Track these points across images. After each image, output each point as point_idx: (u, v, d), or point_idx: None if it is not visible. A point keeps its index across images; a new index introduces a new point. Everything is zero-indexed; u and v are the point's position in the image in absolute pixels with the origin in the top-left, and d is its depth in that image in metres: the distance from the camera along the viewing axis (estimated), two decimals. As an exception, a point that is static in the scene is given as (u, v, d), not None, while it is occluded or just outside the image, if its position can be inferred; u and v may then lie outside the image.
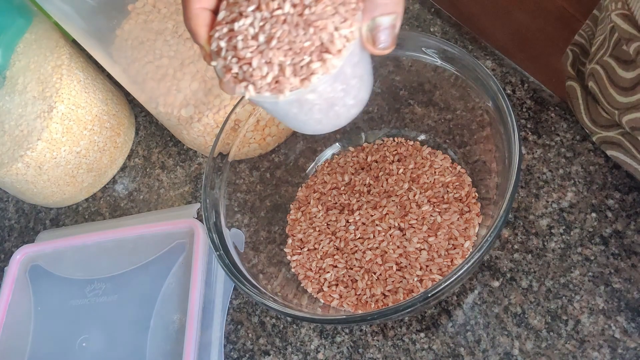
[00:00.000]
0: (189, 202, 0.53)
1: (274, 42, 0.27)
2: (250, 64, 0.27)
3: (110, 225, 0.53)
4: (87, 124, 0.53)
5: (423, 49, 0.40)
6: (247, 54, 0.27)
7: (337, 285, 0.42)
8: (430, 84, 0.43)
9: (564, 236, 0.41)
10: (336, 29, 0.27)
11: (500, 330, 0.39)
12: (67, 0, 0.41)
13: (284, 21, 0.27)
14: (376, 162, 0.47)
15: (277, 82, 0.27)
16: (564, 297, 0.39)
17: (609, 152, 0.41)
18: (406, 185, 0.44)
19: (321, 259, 0.44)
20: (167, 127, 0.53)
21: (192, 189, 0.54)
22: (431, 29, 0.53)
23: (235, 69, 0.28)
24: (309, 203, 0.47)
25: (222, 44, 0.28)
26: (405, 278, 0.41)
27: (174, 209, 0.53)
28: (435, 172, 0.44)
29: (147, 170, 0.57)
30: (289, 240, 0.46)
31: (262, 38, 0.27)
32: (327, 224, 0.45)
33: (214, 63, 0.29)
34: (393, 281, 0.41)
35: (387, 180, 0.45)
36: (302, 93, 0.27)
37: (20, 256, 0.52)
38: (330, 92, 0.28)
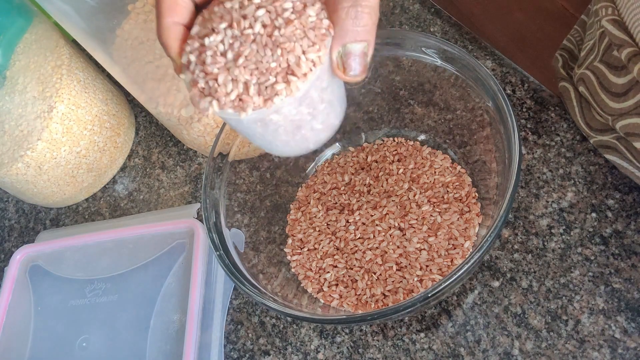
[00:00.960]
0: (189, 202, 0.53)
1: (241, 60, 0.27)
2: (216, 79, 0.27)
3: (110, 225, 0.53)
4: (87, 124, 0.53)
5: (423, 49, 0.40)
6: (214, 69, 0.27)
7: (337, 285, 0.42)
8: (430, 84, 0.43)
9: (564, 236, 0.41)
10: (304, 52, 0.27)
11: (500, 330, 0.39)
12: (67, 0, 0.41)
13: (253, 40, 0.27)
14: (376, 162, 0.47)
15: (240, 100, 0.27)
16: (564, 297, 0.39)
17: (607, 156, 0.41)
18: (406, 185, 0.44)
19: (321, 259, 0.44)
20: (167, 127, 0.53)
21: (192, 189, 0.54)
22: (431, 29, 0.53)
23: (201, 84, 0.28)
24: (309, 203, 0.47)
25: (192, 57, 0.28)
26: (405, 278, 0.41)
27: (174, 209, 0.53)
28: (435, 172, 0.44)
29: (147, 170, 0.57)
30: (289, 240, 0.46)
31: (230, 55, 0.27)
32: (327, 224, 0.45)
33: (182, 76, 0.29)
34: (393, 281, 0.41)
35: (387, 180, 0.45)
36: (264, 113, 0.27)
37: (20, 256, 0.52)
38: (296, 114, 0.29)
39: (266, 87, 0.27)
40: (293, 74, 0.27)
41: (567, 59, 0.45)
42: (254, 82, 0.27)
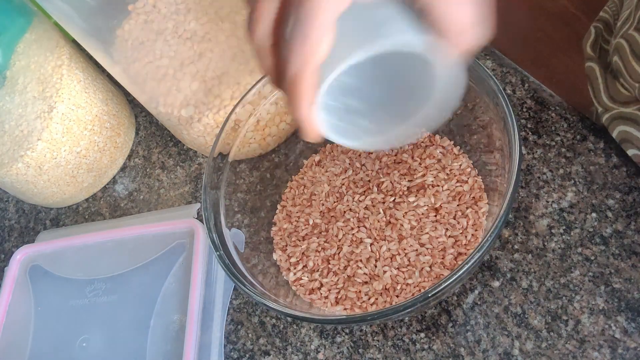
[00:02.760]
0: (189, 202, 0.53)
1: None
2: None
3: (111, 225, 0.53)
4: (87, 124, 0.53)
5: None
6: None
7: (336, 285, 0.42)
8: (430, 84, 0.43)
9: (564, 236, 0.41)
10: None
11: (500, 330, 0.39)
12: (67, 0, 0.41)
13: None
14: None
15: None
16: (564, 297, 0.39)
17: (620, 128, 0.40)
18: (406, 185, 0.44)
19: (319, 259, 0.43)
20: (167, 127, 0.53)
21: (192, 189, 0.54)
22: (431, 29, 0.53)
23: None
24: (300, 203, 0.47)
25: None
26: (405, 278, 0.40)
27: (174, 209, 0.53)
28: (435, 171, 0.44)
29: (147, 170, 0.57)
30: (278, 251, 0.45)
31: None
32: (326, 223, 0.45)
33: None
34: (393, 281, 0.41)
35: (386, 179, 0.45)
36: None
37: (20, 256, 0.52)
38: None
39: None
40: None
41: (601, 30, 0.44)
42: None
